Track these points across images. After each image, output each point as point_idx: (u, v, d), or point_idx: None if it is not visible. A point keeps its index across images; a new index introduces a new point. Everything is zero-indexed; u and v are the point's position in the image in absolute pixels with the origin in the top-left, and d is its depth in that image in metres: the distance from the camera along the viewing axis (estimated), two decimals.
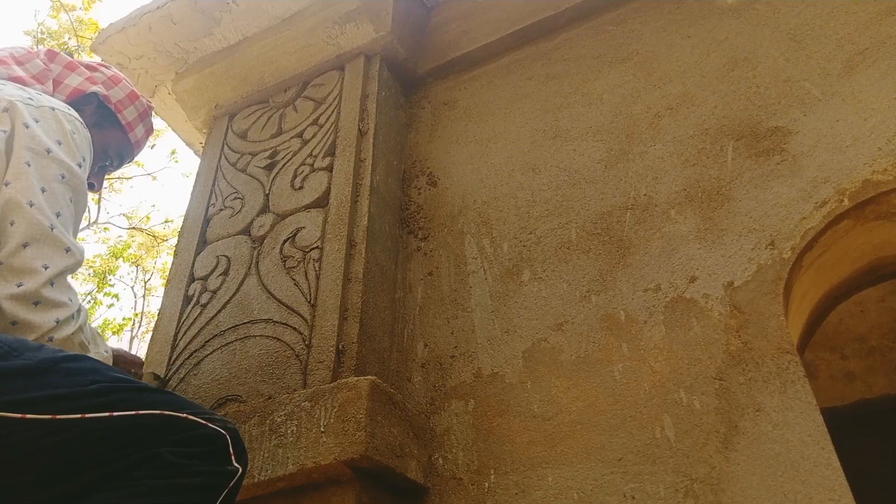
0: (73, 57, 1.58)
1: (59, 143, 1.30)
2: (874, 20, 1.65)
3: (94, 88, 1.51)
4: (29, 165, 1.23)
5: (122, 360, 1.54)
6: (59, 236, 1.23)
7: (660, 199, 1.64)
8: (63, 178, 1.29)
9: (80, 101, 1.52)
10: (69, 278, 1.27)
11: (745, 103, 1.69)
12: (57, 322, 1.20)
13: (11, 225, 1.18)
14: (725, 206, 1.55)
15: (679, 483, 1.26)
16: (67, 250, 1.24)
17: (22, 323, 1.16)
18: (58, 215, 1.25)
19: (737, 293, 1.42)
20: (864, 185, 1.43)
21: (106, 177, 1.68)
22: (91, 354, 1.33)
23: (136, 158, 1.69)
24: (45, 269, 1.19)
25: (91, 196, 1.58)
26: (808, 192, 1.48)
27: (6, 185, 1.21)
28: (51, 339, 1.20)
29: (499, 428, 1.49)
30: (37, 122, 1.29)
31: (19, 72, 1.46)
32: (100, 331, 1.44)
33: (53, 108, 1.34)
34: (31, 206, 1.21)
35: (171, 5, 2.25)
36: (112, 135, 1.55)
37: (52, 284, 1.20)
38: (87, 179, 1.53)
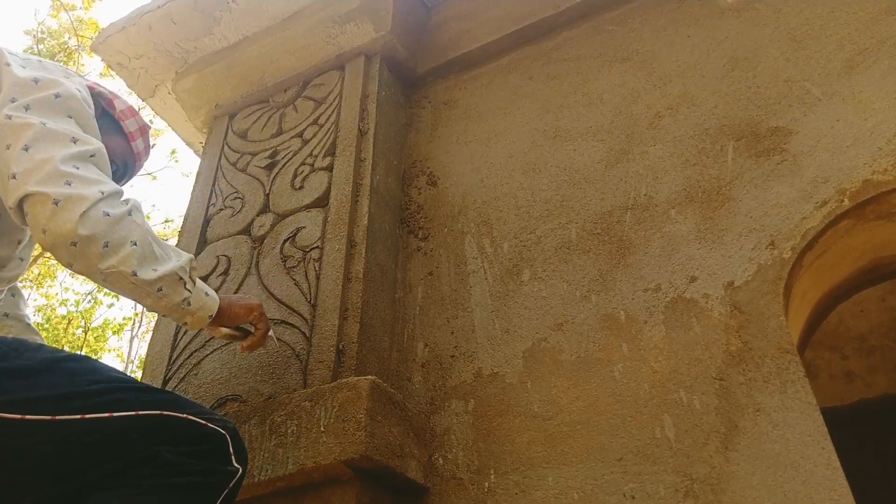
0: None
1: (50, 76, 1.20)
2: (874, 20, 1.65)
3: (100, 90, 1.48)
4: (13, 101, 1.13)
5: (233, 306, 1.33)
6: (56, 129, 1.11)
7: (660, 199, 1.64)
8: (57, 96, 1.16)
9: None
10: (97, 168, 1.12)
11: (745, 103, 1.69)
12: (103, 193, 1.07)
13: (8, 148, 1.08)
14: (726, 206, 1.55)
15: (679, 483, 1.26)
16: (75, 140, 1.11)
17: (64, 197, 1.03)
18: (47, 121, 1.12)
19: (737, 293, 1.42)
20: (864, 185, 1.43)
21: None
22: (173, 258, 1.17)
23: (149, 154, 1.61)
24: (57, 154, 1.07)
25: None
26: (808, 192, 1.48)
27: None
28: (107, 214, 1.06)
29: (499, 428, 1.49)
30: (23, 67, 1.20)
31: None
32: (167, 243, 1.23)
33: (41, 60, 1.26)
34: (11, 118, 1.10)
35: (171, 5, 2.24)
36: (116, 142, 1.49)
37: (76, 167, 1.08)
38: None
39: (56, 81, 1.18)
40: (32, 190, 1.04)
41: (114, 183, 1.13)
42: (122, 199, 1.12)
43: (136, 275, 1.10)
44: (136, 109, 1.56)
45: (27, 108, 1.12)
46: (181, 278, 1.17)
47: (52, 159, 1.06)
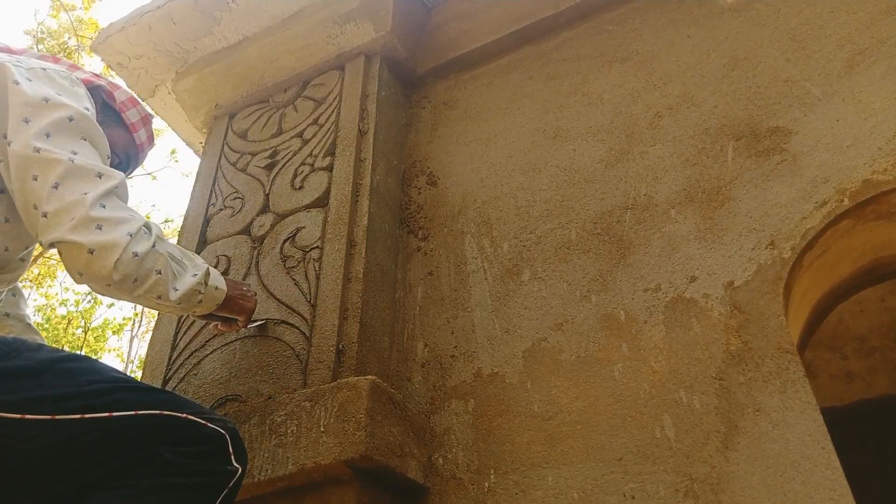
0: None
1: (59, 94, 1.23)
2: (874, 20, 1.65)
3: (100, 83, 1.48)
4: (27, 122, 1.16)
5: (229, 281, 1.47)
6: (83, 164, 1.16)
7: (660, 199, 1.64)
8: (71, 119, 1.21)
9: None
10: (119, 200, 1.20)
11: (745, 103, 1.69)
12: (130, 235, 1.15)
13: (35, 180, 1.13)
14: (725, 206, 1.55)
15: (679, 483, 1.26)
16: (100, 175, 1.17)
17: (98, 247, 1.11)
18: (74, 153, 1.17)
19: (737, 293, 1.42)
20: (864, 185, 1.43)
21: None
22: (189, 267, 1.29)
23: (153, 143, 1.61)
24: (86, 195, 1.13)
25: None
26: (808, 192, 1.48)
27: (10, 144, 1.15)
28: (136, 255, 1.15)
29: (499, 428, 1.49)
30: (29, 80, 1.22)
31: (17, 50, 1.40)
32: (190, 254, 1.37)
33: (45, 69, 1.28)
34: (39, 151, 1.14)
35: (171, 5, 2.24)
36: (118, 134, 1.50)
37: (102, 206, 1.14)
38: None
39: (64, 104, 1.22)
40: (67, 238, 1.11)
41: (137, 215, 1.20)
42: (146, 229, 1.21)
43: (160, 298, 1.23)
44: (138, 100, 1.56)
45: (48, 135, 1.17)
46: (198, 291, 1.31)
47: (83, 202, 1.13)
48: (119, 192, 1.21)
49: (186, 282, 1.28)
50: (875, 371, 3.07)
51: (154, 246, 1.20)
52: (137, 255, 1.15)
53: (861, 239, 1.52)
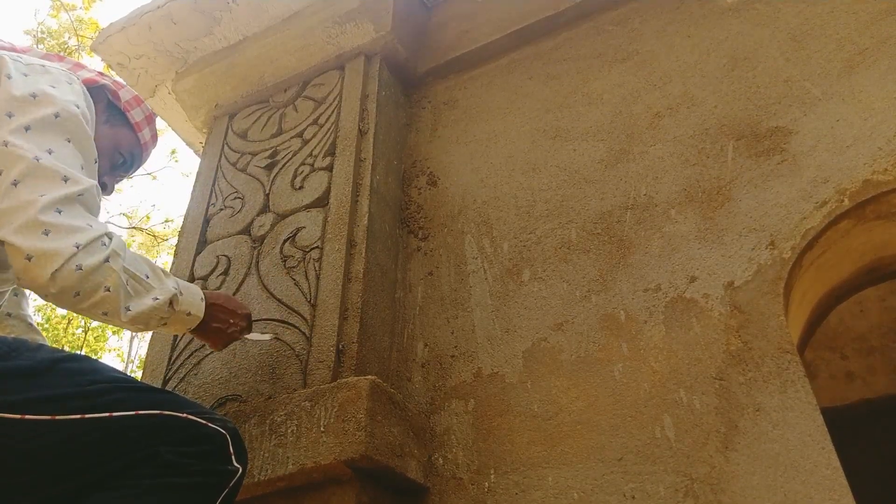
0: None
1: (51, 89, 1.20)
2: (874, 20, 1.65)
3: (104, 82, 1.47)
4: (10, 117, 1.13)
5: (220, 308, 1.40)
6: (49, 166, 1.10)
7: (660, 199, 1.64)
8: (57, 116, 1.16)
9: (91, 95, 1.46)
10: (82, 208, 1.14)
11: (745, 103, 1.69)
12: (77, 247, 1.08)
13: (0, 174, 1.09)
14: (725, 206, 1.55)
15: (679, 483, 1.26)
16: (66, 179, 1.11)
17: (37, 254, 1.04)
18: (49, 152, 1.12)
19: (737, 293, 1.42)
20: (864, 185, 1.43)
21: (119, 181, 1.60)
22: (155, 289, 1.21)
23: (157, 143, 1.60)
24: (42, 196, 1.08)
25: (103, 198, 1.47)
26: (808, 192, 1.48)
27: None
28: (79, 268, 1.07)
29: (499, 428, 1.49)
30: (25, 75, 1.19)
31: (21, 48, 1.39)
32: (163, 269, 1.28)
33: (43, 65, 1.26)
34: (6, 145, 1.09)
35: (172, 5, 2.24)
36: (123, 133, 1.49)
37: (58, 211, 1.08)
38: (100, 179, 1.43)
39: (53, 99, 1.18)
40: (8, 239, 1.05)
41: (98, 224, 1.14)
42: (103, 241, 1.13)
43: (107, 315, 1.15)
44: (142, 99, 1.55)
45: (27, 128, 1.13)
46: (157, 315, 1.23)
47: (35, 203, 1.07)
48: (84, 200, 1.14)
49: (143, 304, 1.19)
50: (875, 371, 3.07)
51: (107, 261, 1.12)
52: (81, 269, 1.08)
53: (861, 239, 1.52)
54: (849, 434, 2.76)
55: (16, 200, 1.07)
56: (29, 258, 1.05)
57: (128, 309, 1.16)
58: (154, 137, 1.57)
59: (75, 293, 1.09)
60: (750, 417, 1.27)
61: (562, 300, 1.60)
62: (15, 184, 1.08)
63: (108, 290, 1.13)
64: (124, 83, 1.56)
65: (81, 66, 1.49)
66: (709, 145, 1.67)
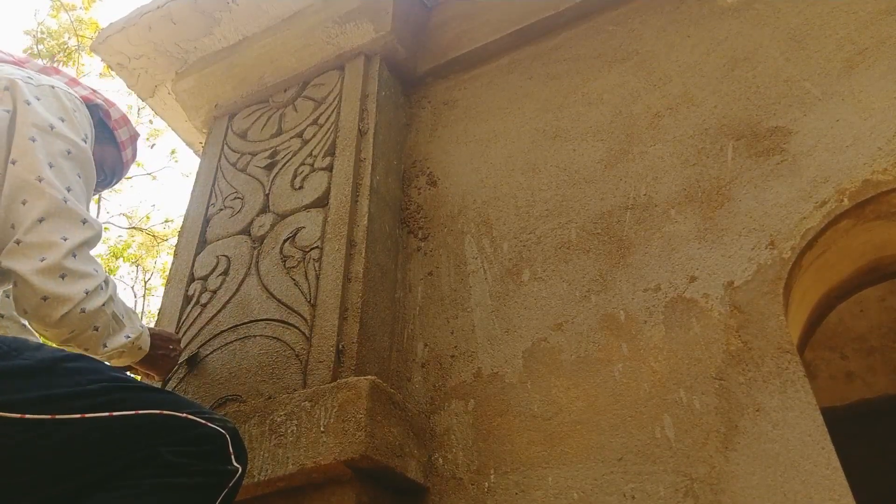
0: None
1: (63, 120, 1.29)
2: (874, 20, 1.65)
3: (98, 101, 1.53)
4: (34, 141, 1.21)
5: (159, 336, 1.50)
6: (73, 208, 1.21)
7: (660, 199, 1.64)
8: (69, 153, 1.26)
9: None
10: (90, 251, 1.24)
11: (745, 103, 1.69)
12: (87, 293, 1.18)
13: (24, 204, 1.17)
14: (725, 206, 1.55)
15: (679, 483, 1.26)
16: (84, 222, 1.22)
17: (52, 297, 1.14)
18: (69, 189, 1.22)
19: (737, 293, 1.42)
20: (864, 185, 1.43)
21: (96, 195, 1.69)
22: (127, 328, 1.32)
23: (137, 159, 1.67)
24: (65, 240, 1.17)
25: None
26: (808, 192, 1.48)
27: (13, 163, 1.19)
28: (83, 311, 1.18)
29: (499, 428, 1.49)
30: (38, 99, 1.28)
31: (19, 59, 1.45)
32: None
33: (53, 87, 1.33)
34: (41, 181, 1.18)
35: (171, 5, 2.24)
36: (109, 151, 1.56)
37: (74, 256, 1.18)
38: None
39: (66, 136, 1.27)
40: (29, 279, 1.13)
41: (100, 269, 1.24)
42: (102, 286, 1.23)
43: (87, 350, 1.25)
44: (129, 118, 1.63)
45: (51, 166, 1.21)
46: (123, 350, 1.33)
47: (60, 248, 1.16)
48: (92, 243, 1.24)
49: (117, 341, 1.30)
50: (875, 371, 3.07)
51: (104, 305, 1.22)
52: (84, 312, 1.18)
53: (861, 239, 1.52)
54: (849, 434, 2.76)
55: (40, 238, 1.16)
56: (45, 299, 1.14)
57: (105, 345, 1.27)
58: (134, 155, 1.65)
59: (71, 331, 1.19)
60: (750, 417, 1.27)
61: (562, 300, 1.60)
62: (41, 220, 1.16)
63: (96, 330, 1.23)
64: (115, 102, 1.60)
65: (77, 83, 1.53)
66: (708, 145, 1.67)
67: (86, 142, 1.32)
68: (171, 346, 1.52)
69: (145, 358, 1.43)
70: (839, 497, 1.14)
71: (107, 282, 1.25)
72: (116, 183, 1.66)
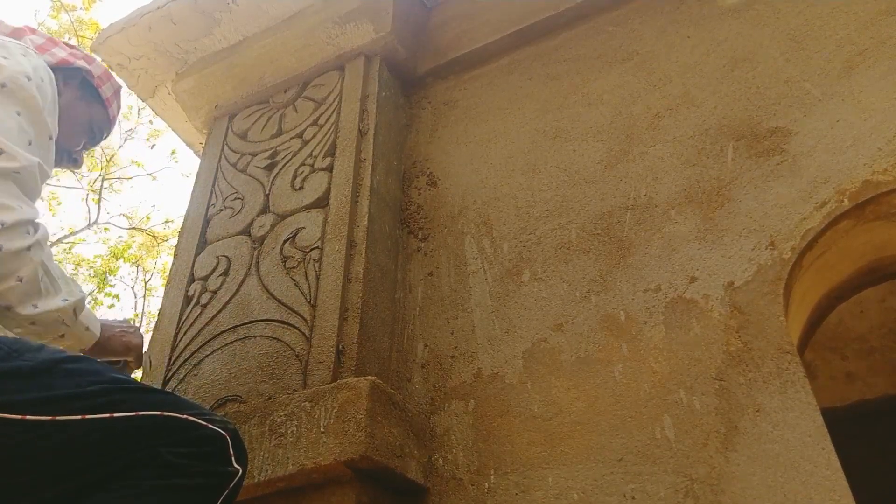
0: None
1: (4, 59, 1.17)
2: (874, 20, 1.65)
3: (80, 63, 1.49)
4: None
5: (108, 324, 1.35)
6: None
7: (660, 200, 1.64)
8: (3, 86, 1.13)
9: (66, 74, 1.47)
10: (18, 189, 1.08)
11: (745, 104, 1.69)
12: (3, 225, 1.03)
13: None
14: (725, 207, 1.55)
15: (679, 483, 1.26)
16: (1, 153, 1.06)
17: None
18: None
19: (737, 293, 1.42)
20: (864, 186, 1.43)
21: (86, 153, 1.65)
22: (63, 292, 1.16)
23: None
24: None
25: (75, 172, 1.55)
26: (808, 193, 1.48)
27: None
28: None
29: (499, 428, 1.49)
30: None
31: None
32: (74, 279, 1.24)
33: (2, 40, 1.24)
34: None
35: (171, 5, 2.25)
36: (95, 110, 1.53)
37: None
38: (72, 154, 1.49)
39: (2, 68, 1.14)
40: None
41: (29, 209, 1.09)
42: (28, 229, 1.08)
43: (10, 309, 1.10)
44: (111, 73, 1.59)
45: None
46: (61, 319, 1.17)
47: None
48: (21, 179, 1.09)
49: (51, 304, 1.13)
50: (875, 371, 3.07)
51: (29, 249, 1.07)
52: (1, 249, 1.03)
53: (861, 239, 1.52)
54: (849, 434, 2.76)
55: None
56: None
57: (35, 306, 1.10)
58: (119, 109, 1.62)
59: None
60: (750, 418, 1.27)
61: (562, 301, 1.60)
62: None
63: (20, 281, 1.07)
64: (96, 57, 1.59)
65: (56, 43, 1.49)
66: (709, 146, 1.67)
67: (31, 79, 1.17)
68: (125, 326, 1.41)
69: (106, 345, 1.29)
70: (839, 498, 1.14)
71: (35, 226, 1.09)
72: (104, 139, 1.62)
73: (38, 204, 1.17)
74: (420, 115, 2.24)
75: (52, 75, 1.30)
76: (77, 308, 1.21)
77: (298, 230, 1.83)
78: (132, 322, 1.43)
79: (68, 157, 1.53)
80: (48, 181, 1.23)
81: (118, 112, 1.62)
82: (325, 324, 1.59)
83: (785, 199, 1.49)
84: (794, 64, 1.69)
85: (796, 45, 1.72)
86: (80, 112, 1.49)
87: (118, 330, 1.38)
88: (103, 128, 1.58)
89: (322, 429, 1.34)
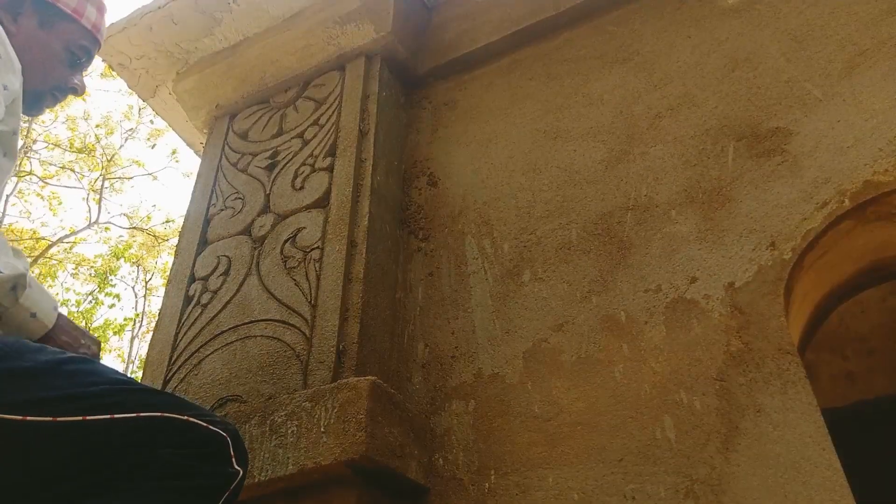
0: None
1: None
2: (875, 20, 1.65)
3: None
4: None
5: (71, 324, 1.20)
6: None
7: (660, 200, 1.64)
8: None
9: (9, 7, 1.30)
10: None
11: (745, 104, 1.69)
12: None
13: None
14: (726, 207, 1.55)
15: (679, 484, 1.26)
16: None
17: None
18: None
19: (737, 294, 1.42)
20: (864, 186, 1.43)
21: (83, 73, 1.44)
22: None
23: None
24: None
25: (80, 98, 1.35)
26: (808, 193, 1.48)
27: None
28: None
29: (499, 428, 1.49)
30: None
31: None
32: (22, 251, 1.07)
33: None
34: None
35: (172, 5, 2.25)
36: (65, 29, 1.35)
37: None
38: (70, 83, 1.36)
39: None
40: None
41: None
42: None
43: None
44: None
45: None
46: None
47: None
48: None
49: None
50: (876, 372, 3.06)
51: None
52: None
53: (862, 240, 1.52)
54: (849, 435, 2.75)
55: None
56: None
57: None
58: (101, 13, 1.42)
59: None
60: (750, 418, 1.27)
61: (562, 301, 1.60)
62: None
63: None
64: None
65: None
66: (709, 146, 1.67)
67: None
68: (82, 342, 1.20)
69: (44, 339, 1.13)
70: (840, 498, 1.14)
71: None
72: (96, 52, 1.44)
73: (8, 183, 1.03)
74: (420, 115, 2.24)
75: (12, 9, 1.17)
76: (17, 286, 1.02)
77: (299, 230, 1.83)
78: (86, 338, 1.23)
79: (60, 92, 1.37)
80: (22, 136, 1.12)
81: (99, 14, 1.41)
82: (326, 324, 1.59)
83: (786, 200, 1.49)
84: (794, 64, 1.69)
85: (797, 45, 1.71)
86: (44, 42, 1.31)
87: (69, 338, 1.17)
88: (84, 44, 1.38)
89: (322, 429, 1.34)
